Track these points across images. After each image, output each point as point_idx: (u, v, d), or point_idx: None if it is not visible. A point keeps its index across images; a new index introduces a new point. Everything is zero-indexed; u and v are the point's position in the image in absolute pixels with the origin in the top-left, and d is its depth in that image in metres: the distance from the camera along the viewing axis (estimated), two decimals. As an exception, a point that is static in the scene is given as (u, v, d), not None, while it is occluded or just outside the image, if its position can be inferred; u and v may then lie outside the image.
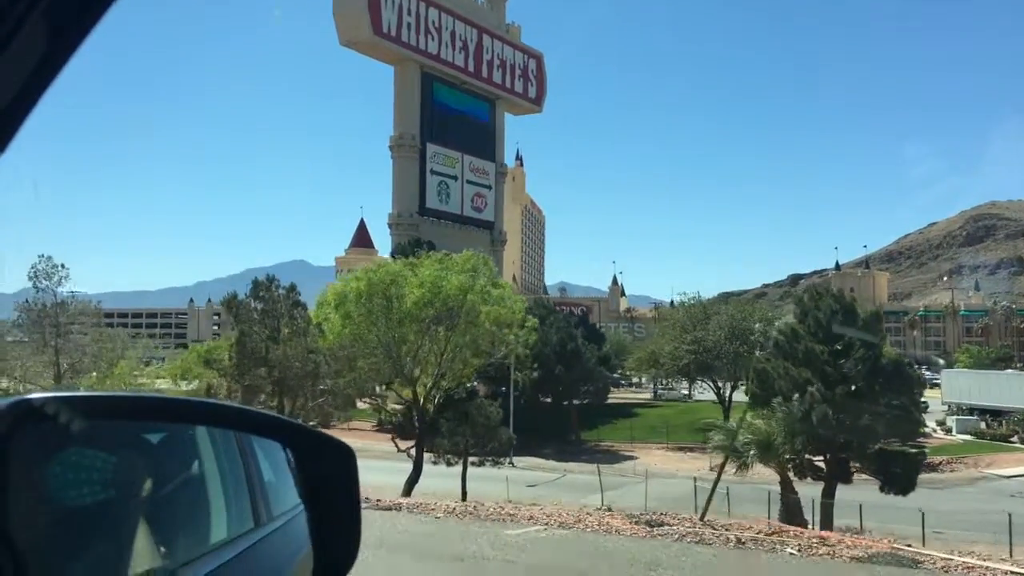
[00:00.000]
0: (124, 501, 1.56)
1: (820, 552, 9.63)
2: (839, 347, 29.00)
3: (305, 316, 27.40)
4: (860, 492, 30.44)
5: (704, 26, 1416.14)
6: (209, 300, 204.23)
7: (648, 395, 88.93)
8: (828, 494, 28.94)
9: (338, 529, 1.98)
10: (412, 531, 11.74)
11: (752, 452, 27.34)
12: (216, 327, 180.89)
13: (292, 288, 27.37)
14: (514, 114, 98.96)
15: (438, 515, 12.30)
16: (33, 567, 1.21)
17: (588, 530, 10.89)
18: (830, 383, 28.05)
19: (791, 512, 27.56)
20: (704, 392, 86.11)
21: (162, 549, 1.63)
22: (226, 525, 2.00)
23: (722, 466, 22.32)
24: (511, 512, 12.29)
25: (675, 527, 10.87)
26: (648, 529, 10.61)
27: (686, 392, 79.60)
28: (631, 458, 56.44)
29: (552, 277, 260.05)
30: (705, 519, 15.71)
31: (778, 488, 30.72)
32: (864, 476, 29.97)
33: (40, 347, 30.75)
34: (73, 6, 1.02)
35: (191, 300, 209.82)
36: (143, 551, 1.55)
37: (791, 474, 29.06)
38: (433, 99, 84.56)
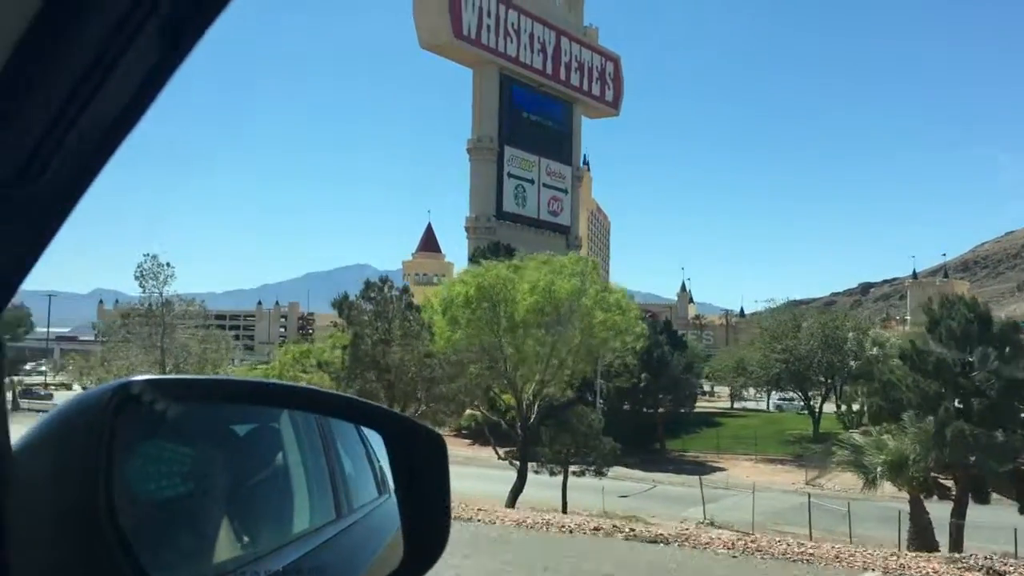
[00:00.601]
0: (205, 493, 1.57)
1: None
2: (971, 358, 27.49)
3: (418, 319, 26.78)
4: (987, 513, 28.75)
5: (775, 29, 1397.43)
6: (277, 303, 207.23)
7: (725, 403, 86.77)
8: (958, 514, 27.39)
9: (429, 518, 1.97)
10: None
11: (881, 470, 26.07)
12: (283, 328, 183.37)
13: (406, 289, 26.88)
14: (590, 117, 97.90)
15: (735, 553, 10.86)
16: (138, 550, 1.20)
17: (934, 578, 9.57)
18: (964, 396, 26.64)
19: (922, 534, 26.11)
20: (760, 401, 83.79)
21: (245, 538, 1.67)
22: (308, 516, 2.03)
23: None
24: (809, 551, 10.91)
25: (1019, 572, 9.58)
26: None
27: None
28: (719, 469, 54.90)
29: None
30: None
31: (894, 503, 29.39)
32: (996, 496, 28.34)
33: (148, 347, 30.88)
34: (189, 11, 1.01)
35: (259, 303, 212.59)
36: (226, 540, 1.59)
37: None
38: (511, 102, 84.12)
